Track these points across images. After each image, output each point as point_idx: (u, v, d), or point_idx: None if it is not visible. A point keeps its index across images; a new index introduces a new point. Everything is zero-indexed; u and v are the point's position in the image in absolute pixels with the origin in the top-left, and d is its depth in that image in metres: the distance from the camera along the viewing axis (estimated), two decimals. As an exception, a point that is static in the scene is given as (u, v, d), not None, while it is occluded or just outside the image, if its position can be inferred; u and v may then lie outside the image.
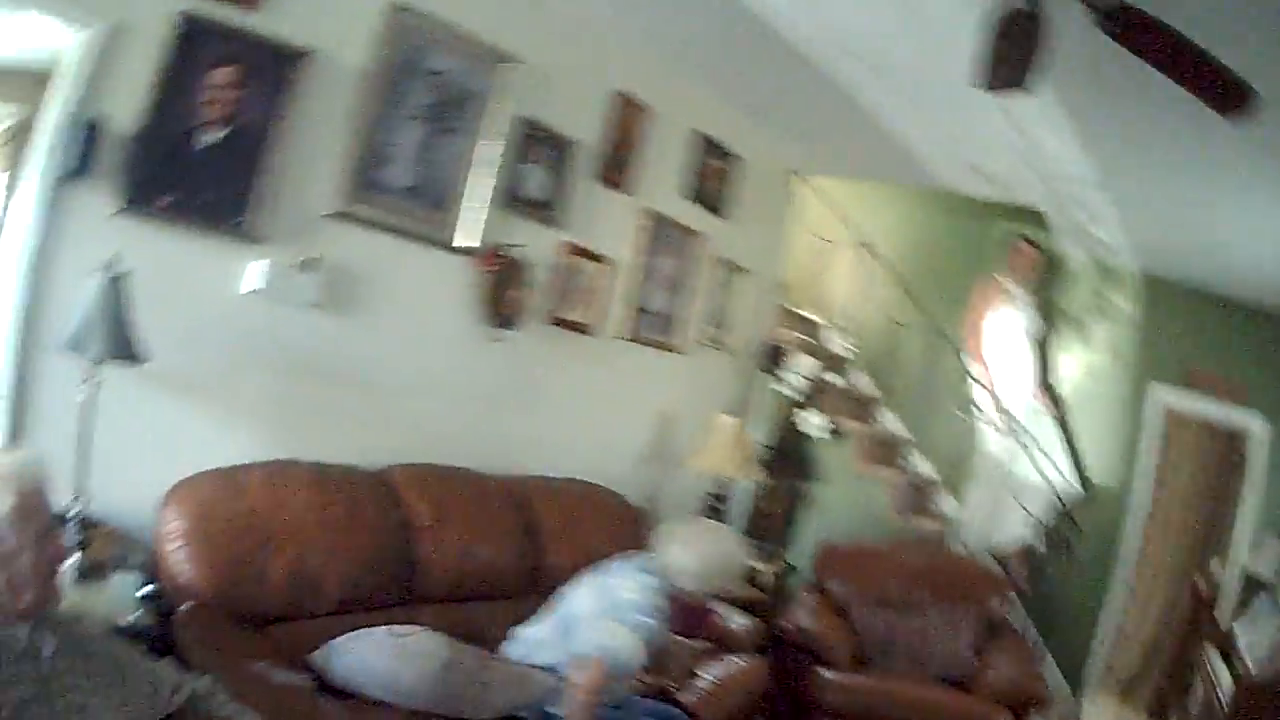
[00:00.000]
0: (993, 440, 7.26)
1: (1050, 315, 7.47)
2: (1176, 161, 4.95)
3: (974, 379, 7.19)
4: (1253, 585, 6.74)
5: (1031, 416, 7.19)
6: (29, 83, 5.50)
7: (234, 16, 3.33)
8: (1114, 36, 2.96)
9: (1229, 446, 7.88)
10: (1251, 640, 5.68)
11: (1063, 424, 7.35)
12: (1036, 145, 5.34)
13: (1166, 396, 7.54)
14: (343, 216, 3.73)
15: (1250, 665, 5.30)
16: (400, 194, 3.91)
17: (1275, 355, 7.35)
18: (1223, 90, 3.06)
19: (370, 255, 3.87)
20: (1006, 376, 7.15)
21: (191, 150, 3.30)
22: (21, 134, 6.17)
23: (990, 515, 7.09)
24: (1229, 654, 5.79)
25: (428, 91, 3.94)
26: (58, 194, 3.07)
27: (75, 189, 3.08)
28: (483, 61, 4.12)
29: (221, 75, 3.32)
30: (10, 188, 6.09)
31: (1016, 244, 7.32)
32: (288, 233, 3.55)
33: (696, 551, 3.53)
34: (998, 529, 7.03)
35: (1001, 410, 6.99)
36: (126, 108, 3.16)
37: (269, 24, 3.41)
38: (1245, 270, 6.67)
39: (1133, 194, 5.89)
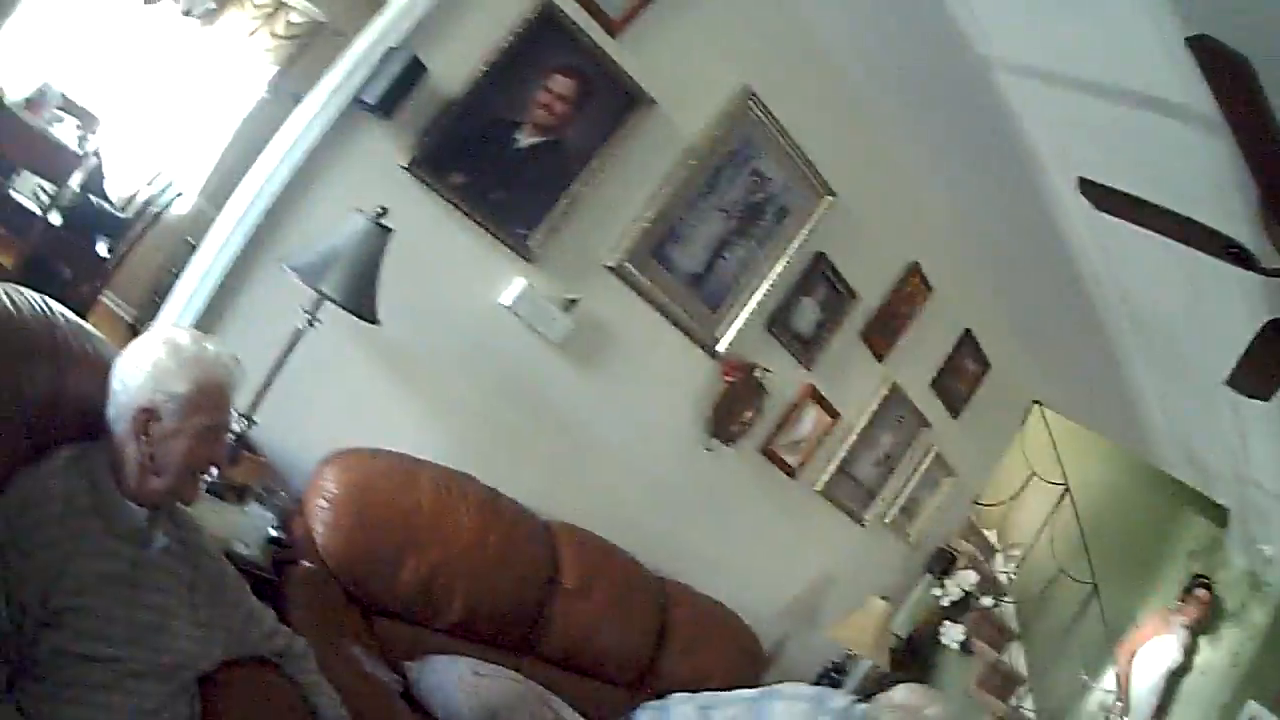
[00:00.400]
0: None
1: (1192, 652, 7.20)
2: None
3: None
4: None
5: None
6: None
7: (596, 32, 3.32)
8: None
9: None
10: None
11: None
12: (1248, 449, 5.24)
13: (1255, 710, 7.14)
14: (620, 274, 3.73)
15: None
16: (683, 277, 3.92)
17: None
18: None
19: (629, 321, 3.87)
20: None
21: (505, 143, 3.25)
22: (310, 36, 6.44)
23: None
24: None
25: (744, 189, 3.93)
26: (349, 117, 2.98)
27: (370, 121, 3.01)
28: (804, 182, 4.12)
29: (562, 84, 3.28)
30: (276, 84, 6.35)
31: (1194, 589, 7.14)
32: (562, 265, 3.56)
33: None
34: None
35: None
36: (455, 68, 3.10)
37: (625, 55, 3.41)
38: None
39: None
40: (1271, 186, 2.35)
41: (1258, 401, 3.26)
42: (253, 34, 6.50)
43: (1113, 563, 7.97)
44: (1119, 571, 7.96)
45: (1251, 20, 2.35)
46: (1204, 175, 3.08)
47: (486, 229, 3.34)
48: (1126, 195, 2.88)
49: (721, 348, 4.15)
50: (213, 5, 6.37)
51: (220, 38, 6.45)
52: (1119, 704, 6.98)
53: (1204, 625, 7.14)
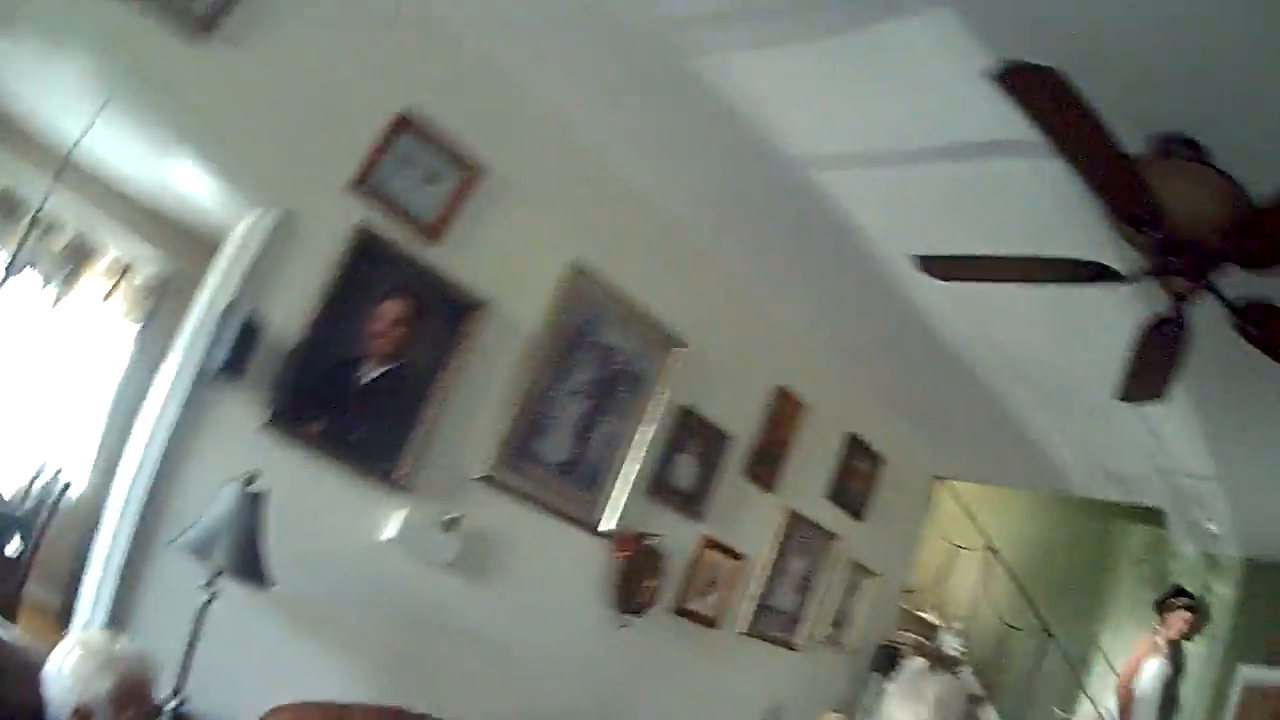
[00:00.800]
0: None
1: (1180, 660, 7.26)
2: None
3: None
4: None
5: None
6: (182, 237, 5.73)
7: (415, 244, 3.36)
8: (1249, 337, 2.90)
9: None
10: None
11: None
12: (1165, 444, 5.37)
13: (1251, 674, 7.39)
14: (492, 482, 3.71)
15: None
16: (553, 469, 3.91)
17: None
18: None
19: (512, 524, 3.86)
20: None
21: (351, 380, 3.28)
22: (161, 288, 6.46)
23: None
24: None
25: (595, 366, 3.97)
26: (201, 386, 3.04)
27: (221, 386, 3.05)
28: (651, 342, 4.17)
29: (392, 308, 3.31)
30: (141, 342, 6.31)
31: (1175, 608, 7.17)
32: (434, 487, 3.56)
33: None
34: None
35: None
36: (291, 314, 3.15)
37: (449, 260, 3.45)
38: None
39: (1246, 483, 5.89)
40: (1107, 189, 2.47)
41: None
42: (108, 297, 6.46)
43: (1062, 599, 8.16)
44: (1070, 605, 8.15)
45: (1052, 33, 2.45)
46: (1045, 202, 3.19)
47: (354, 470, 3.36)
48: (965, 259, 2.99)
49: (607, 526, 4.13)
50: (70, 267, 6.32)
51: (78, 305, 6.39)
52: None
53: (1191, 636, 7.30)
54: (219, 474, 2.94)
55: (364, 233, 3.22)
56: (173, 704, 2.78)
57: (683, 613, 4.67)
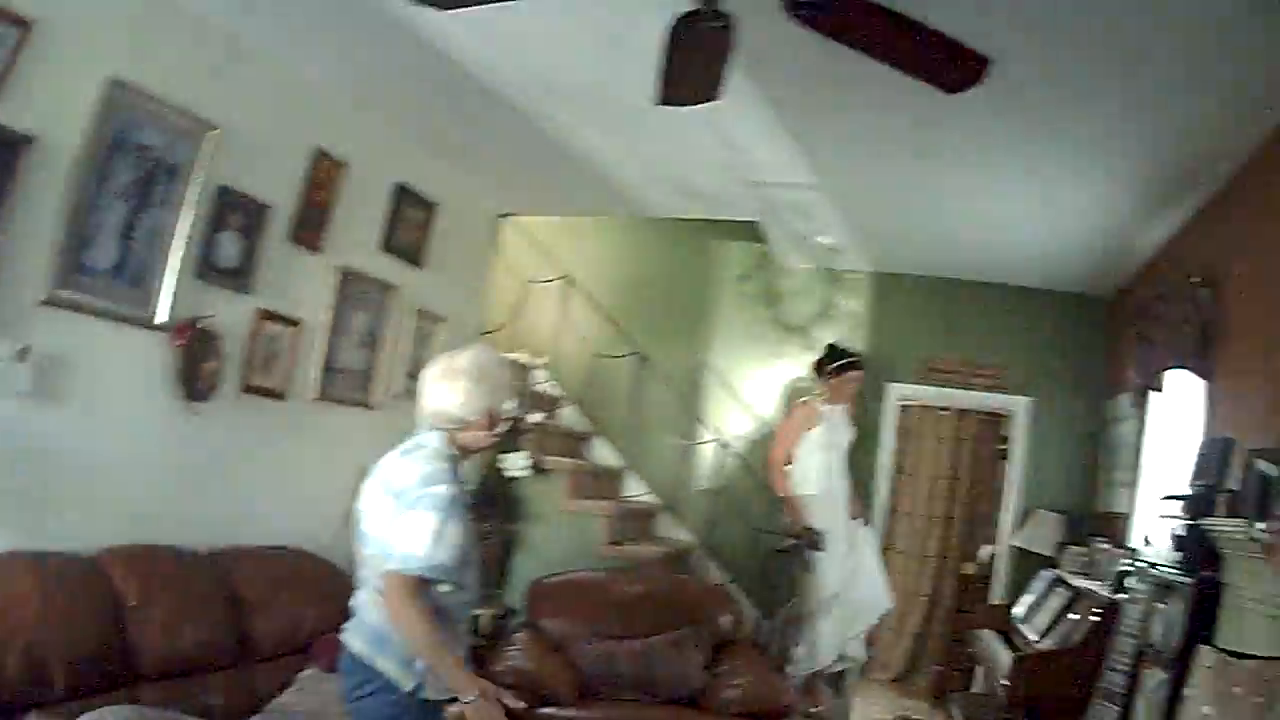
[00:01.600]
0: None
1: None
2: (893, 151, 5.96)
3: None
4: (1030, 562, 8.05)
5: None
6: None
7: None
8: (809, 23, 3.16)
9: (991, 430, 9.80)
10: (1032, 613, 6.95)
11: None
12: (746, 155, 6.28)
13: (905, 391, 9.04)
14: (51, 303, 4.28)
15: (1033, 636, 6.49)
16: (104, 275, 4.54)
17: (1024, 330, 8.86)
18: (948, 63, 3.29)
19: (79, 339, 4.44)
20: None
21: None
22: None
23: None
24: (1007, 633, 7.04)
25: (134, 168, 4.58)
26: None
27: None
28: (185, 132, 4.82)
29: None
30: None
31: (842, 372, 7.47)
32: (5, 322, 4.08)
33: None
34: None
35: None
36: None
37: (4, 111, 3.94)
38: (975, 251, 7.98)
39: (853, 191, 6.96)
40: None
41: (718, 106, 3.80)
42: None
43: (663, 325, 9.48)
44: (674, 330, 9.49)
45: None
46: None
47: None
48: None
49: (162, 319, 4.82)
50: None
51: None
52: (807, 533, 7.17)
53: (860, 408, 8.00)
54: None
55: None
56: None
57: (251, 389, 5.50)
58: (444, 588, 3.30)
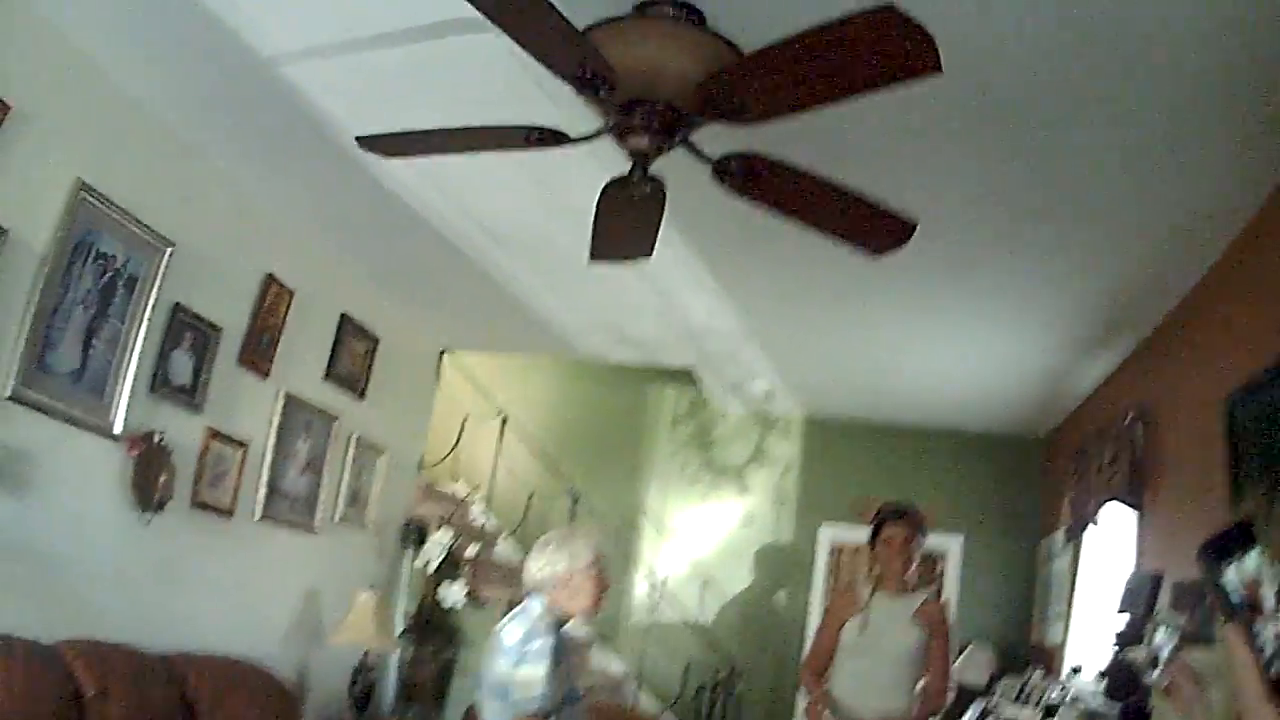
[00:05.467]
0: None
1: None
2: (824, 302, 6.26)
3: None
4: (963, 696, 7.64)
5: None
6: None
7: None
8: (736, 189, 3.32)
9: (924, 569, 9.47)
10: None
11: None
12: (682, 306, 6.60)
13: (837, 533, 9.19)
14: (16, 399, 4.44)
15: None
16: (66, 378, 4.73)
17: (958, 471, 9.09)
18: (875, 227, 3.40)
19: (40, 438, 4.60)
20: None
21: None
22: None
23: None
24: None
25: (94, 275, 4.80)
26: None
27: None
28: (144, 245, 5.05)
29: None
30: None
31: (888, 533, 5.47)
32: None
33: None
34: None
35: None
36: None
37: None
38: (908, 396, 8.24)
39: (785, 340, 7.28)
40: (545, 55, 2.90)
41: (651, 260, 4.03)
42: None
43: (598, 464, 9.86)
44: (609, 470, 9.87)
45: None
46: (509, 72, 3.92)
47: None
48: (405, 135, 3.44)
49: (118, 428, 5.01)
50: None
51: None
52: None
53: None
54: None
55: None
56: None
57: (199, 504, 5.68)
58: None
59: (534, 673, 3.83)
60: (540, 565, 4.09)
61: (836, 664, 5.34)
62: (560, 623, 4.04)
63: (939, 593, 5.81)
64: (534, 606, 4.05)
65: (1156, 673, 3.99)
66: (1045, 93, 3.69)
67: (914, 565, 5.42)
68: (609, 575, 4.23)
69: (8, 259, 4.32)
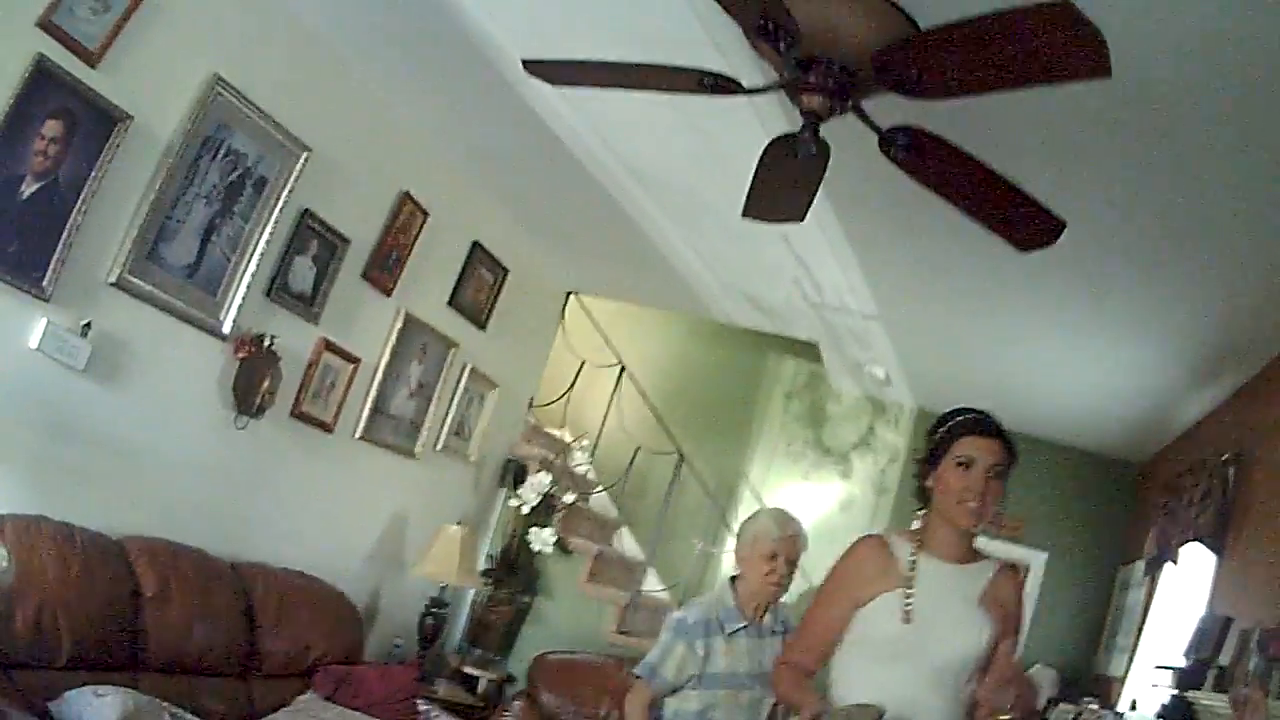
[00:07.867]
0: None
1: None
2: (954, 293, 6.03)
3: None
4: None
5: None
6: None
7: (79, 69, 3.97)
8: (900, 163, 3.26)
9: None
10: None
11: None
12: (816, 277, 6.40)
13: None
14: (122, 286, 4.39)
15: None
16: (179, 272, 4.66)
17: (1051, 485, 8.69)
18: (1026, 222, 3.34)
19: (142, 328, 4.55)
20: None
21: (13, 198, 3.91)
22: None
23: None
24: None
25: (222, 172, 4.71)
26: None
27: None
28: (278, 148, 4.95)
29: (52, 127, 3.94)
30: None
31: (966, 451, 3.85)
32: (74, 295, 4.19)
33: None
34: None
35: None
36: None
37: (105, 83, 4.06)
38: (1017, 402, 7.76)
39: (910, 326, 7.06)
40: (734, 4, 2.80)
41: (798, 225, 3.96)
42: None
43: (706, 427, 9.59)
44: (716, 434, 9.62)
45: None
46: (672, 14, 3.79)
47: (10, 281, 3.94)
48: (575, 63, 3.35)
49: (227, 328, 4.93)
50: None
51: None
52: None
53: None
54: None
55: (39, 58, 3.82)
56: None
57: (299, 415, 5.59)
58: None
59: (659, 639, 4.23)
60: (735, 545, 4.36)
61: (851, 668, 3.19)
62: (735, 604, 4.23)
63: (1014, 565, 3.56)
64: (723, 583, 4.36)
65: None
66: (1207, 92, 3.37)
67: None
68: (788, 559, 4.22)
69: (130, 146, 4.23)
